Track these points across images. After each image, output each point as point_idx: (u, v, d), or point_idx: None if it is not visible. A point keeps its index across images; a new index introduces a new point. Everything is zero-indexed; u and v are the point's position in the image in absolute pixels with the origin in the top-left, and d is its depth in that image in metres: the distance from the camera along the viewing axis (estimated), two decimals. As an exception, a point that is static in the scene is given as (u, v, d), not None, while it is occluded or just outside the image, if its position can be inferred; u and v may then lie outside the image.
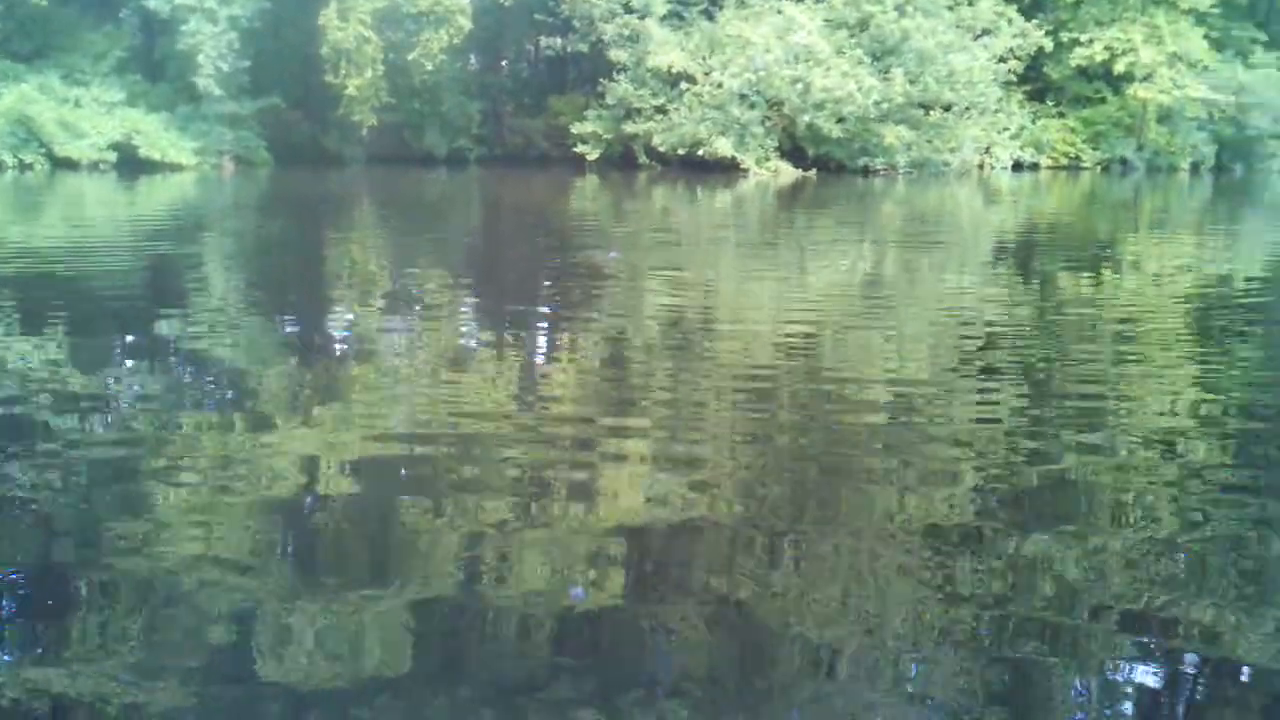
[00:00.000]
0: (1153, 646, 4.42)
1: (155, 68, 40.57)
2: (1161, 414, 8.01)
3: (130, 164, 35.86)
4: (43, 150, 35.14)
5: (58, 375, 8.81)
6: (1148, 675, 4.23)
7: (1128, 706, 4.07)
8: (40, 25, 37.91)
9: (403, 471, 6.51)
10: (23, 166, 34.70)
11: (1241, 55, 49.17)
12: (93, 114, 36.35)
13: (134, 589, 4.82)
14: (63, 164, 35.12)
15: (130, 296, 13.24)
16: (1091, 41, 45.37)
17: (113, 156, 36.03)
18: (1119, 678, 4.24)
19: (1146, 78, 44.85)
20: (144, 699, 3.96)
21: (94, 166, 35.58)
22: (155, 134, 36.93)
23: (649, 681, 4.19)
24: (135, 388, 8.57)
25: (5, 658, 4.29)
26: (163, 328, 11.00)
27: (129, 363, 9.64)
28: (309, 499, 6.04)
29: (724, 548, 5.32)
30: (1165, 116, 47.10)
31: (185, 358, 9.71)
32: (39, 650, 4.35)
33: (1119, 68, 45.02)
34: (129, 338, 10.72)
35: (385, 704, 3.97)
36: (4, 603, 4.78)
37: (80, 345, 10.04)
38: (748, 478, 6.41)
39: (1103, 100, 47.58)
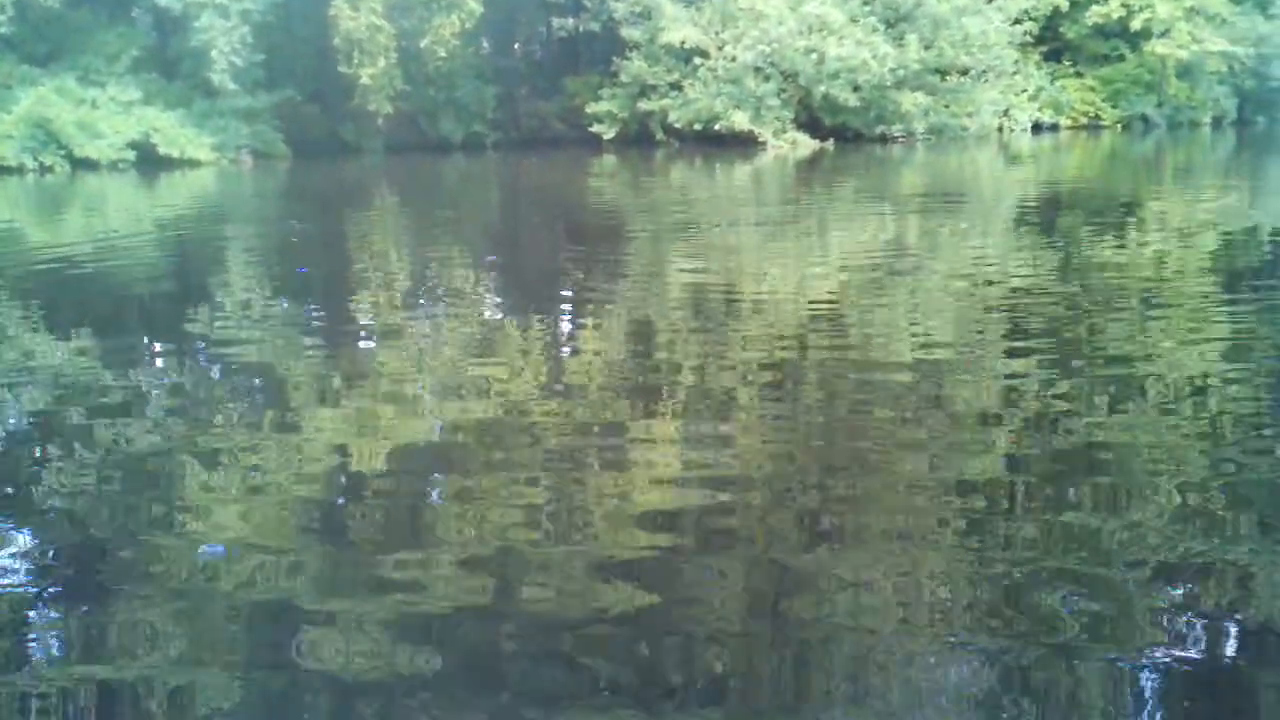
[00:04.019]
0: (1190, 609, 4.39)
1: (170, 65, 40.69)
2: (1191, 370, 7.94)
3: (149, 162, 36.03)
4: (62, 152, 35.35)
5: (109, 371, 8.87)
6: (1185, 640, 4.19)
7: (1165, 670, 4.03)
8: (54, 28, 38.06)
9: (434, 457, 6.53)
10: (43, 169, 34.89)
11: (1261, 6, 48.69)
12: (110, 114, 36.54)
13: (170, 580, 4.86)
14: (82, 164, 35.31)
15: (169, 287, 13.34)
16: (1107, -1, 44.95)
17: (131, 155, 36.24)
18: (1156, 645, 4.19)
19: (1164, 33, 44.45)
20: (184, 690, 3.99)
21: (113, 166, 35.75)
22: (172, 131, 37.12)
23: (681, 657, 4.19)
24: (169, 376, 8.62)
25: (51, 651, 4.32)
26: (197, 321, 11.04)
27: (171, 357, 9.70)
28: (340, 486, 6.06)
29: (755, 522, 5.30)
30: (1185, 71, 46.68)
31: (215, 350, 9.75)
32: (80, 642, 4.38)
33: (1136, 24, 44.62)
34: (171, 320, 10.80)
35: (429, 670, 4.00)
36: (44, 595, 4.80)
37: (135, 339, 10.12)
38: (776, 450, 6.39)
39: (1121, 58, 47.15)
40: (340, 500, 5.82)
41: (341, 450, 6.58)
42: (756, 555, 4.96)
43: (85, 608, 4.65)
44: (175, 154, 36.75)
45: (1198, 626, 4.25)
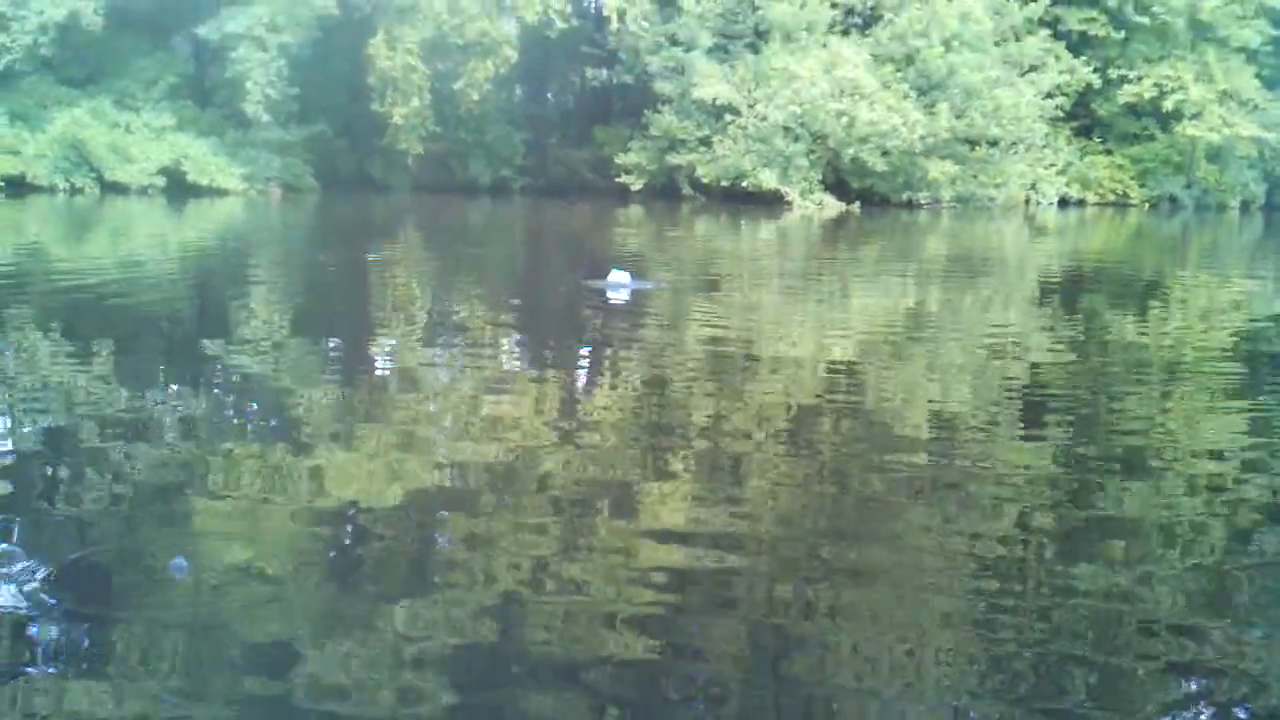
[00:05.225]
0: (1201, 692, 4.30)
1: (205, 94, 40.99)
2: (1207, 455, 7.85)
3: (178, 189, 36.19)
4: (93, 174, 35.54)
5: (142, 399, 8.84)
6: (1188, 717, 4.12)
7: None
8: (93, 51, 38.40)
9: (443, 500, 6.47)
10: (73, 190, 35.10)
11: (1294, 92, 48.73)
12: (143, 139, 36.75)
13: (175, 613, 4.79)
14: (112, 188, 35.50)
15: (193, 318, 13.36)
16: (1140, 79, 45.10)
17: (161, 181, 36.38)
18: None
19: (1196, 115, 44.48)
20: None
21: (143, 191, 35.92)
22: (203, 160, 37.25)
23: (680, 707, 4.11)
24: (184, 409, 8.58)
25: (48, 672, 4.24)
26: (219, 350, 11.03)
27: (185, 384, 9.68)
28: (350, 523, 5.99)
29: (760, 584, 5.22)
30: (1215, 154, 46.71)
31: (238, 380, 9.73)
32: (81, 669, 4.31)
33: (1168, 105, 44.70)
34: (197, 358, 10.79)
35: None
36: (47, 620, 4.73)
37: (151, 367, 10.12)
38: (784, 513, 6.31)
39: (1151, 137, 47.22)
40: (347, 539, 5.77)
41: (351, 488, 6.53)
42: (761, 616, 4.88)
43: (81, 636, 4.58)
44: (205, 182, 36.86)
45: (1202, 706, 4.17)
